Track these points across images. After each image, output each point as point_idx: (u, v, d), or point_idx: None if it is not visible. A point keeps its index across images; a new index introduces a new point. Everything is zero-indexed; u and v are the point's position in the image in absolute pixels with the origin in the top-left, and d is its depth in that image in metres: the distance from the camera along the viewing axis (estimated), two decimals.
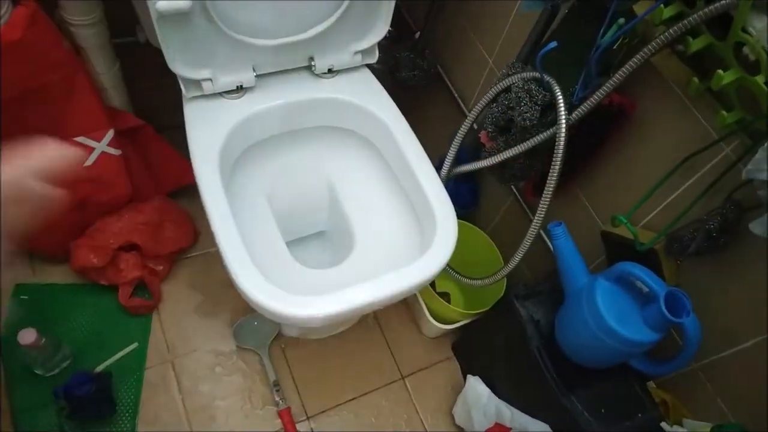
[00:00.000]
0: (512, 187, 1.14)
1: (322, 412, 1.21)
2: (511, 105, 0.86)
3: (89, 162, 1.15)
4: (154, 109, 1.34)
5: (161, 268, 1.29)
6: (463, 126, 0.99)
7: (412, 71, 1.27)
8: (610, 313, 0.83)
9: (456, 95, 1.28)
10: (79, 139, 1.11)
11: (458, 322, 1.23)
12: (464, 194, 1.29)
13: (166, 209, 1.32)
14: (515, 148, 0.87)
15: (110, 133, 1.14)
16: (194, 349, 1.25)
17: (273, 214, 1.14)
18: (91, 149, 1.14)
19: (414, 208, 1.04)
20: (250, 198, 1.13)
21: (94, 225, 1.24)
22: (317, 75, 1.08)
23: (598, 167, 0.94)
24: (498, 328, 1.11)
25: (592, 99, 0.78)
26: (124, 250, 1.25)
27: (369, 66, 1.13)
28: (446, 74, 1.31)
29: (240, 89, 1.02)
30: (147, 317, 1.27)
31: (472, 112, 0.95)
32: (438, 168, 1.02)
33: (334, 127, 1.13)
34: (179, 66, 0.93)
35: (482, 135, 0.98)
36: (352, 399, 1.23)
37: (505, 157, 0.89)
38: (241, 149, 1.06)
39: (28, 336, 1.05)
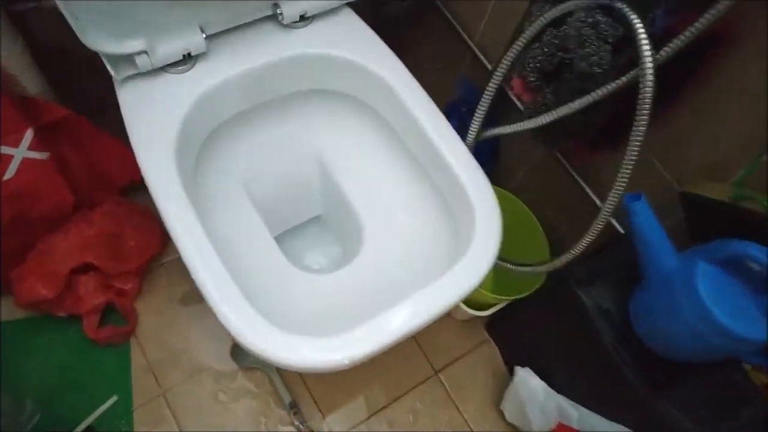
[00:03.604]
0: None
1: (353, 427, 1.04)
2: (565, 44, 0.63)
3: (9, 174, 0.90)
4: (84, 89, 1.05)
5: (130, 286, 1.07)
6: (493, 80, 0.75)
7: (399, 1, 1.01)
8: (718, 306, 0.64)
9: (459, 28, 1.02)
10: None
11: (492, 306, 1.04)
12: (480, 149, 1.07)
13: (122, 212, 1.07)
14: (576, 102, 0.64)
15: (28, 134, 0.88)
16: (188, 376, 1.05)
17: (254, 206, 0.91)
18: (9, 158, 0.88)
19: (436, 185, 0.82)
20: (223, 192, 0.90)
21: (36, 247, 1.00)
22: (286, 26, 0.81)
23: (673, 112, 0.72)
24: (552, 317, 0.93)
25: (690, 29, 0.55)
26: (80, 271, 1.02)
27: (350, 4, 0.87)
28: (442, 1, 1.04)
29: (188, 58, 0.76)
30: (124, 346, 1.06)
31: (506, 58, 0.71)
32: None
33: (316, 90, 0.88)
34: (97, 39, 0.67)
35: (516, 83, 0.75)
36: (383, 408, 1.06)
37: (560, 115, 0.67)
38: (203, 136, 0.82)
39: None
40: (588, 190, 0.90)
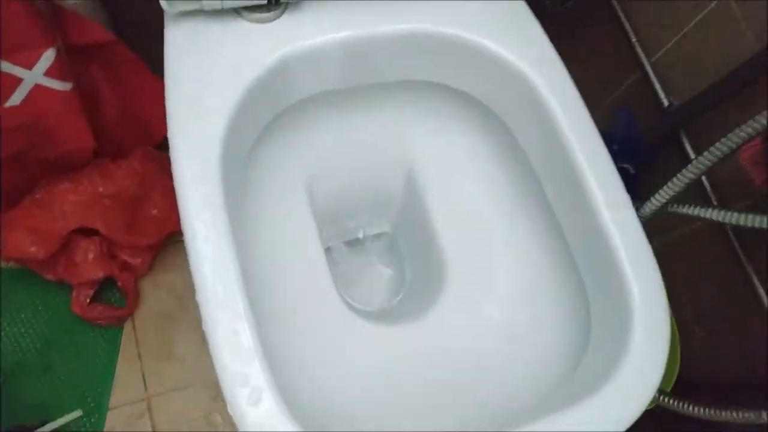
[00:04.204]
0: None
1: None
2: None
3: (15, 101, 0.69)
4: (142, 10, 0.83)
5: (139, 261, 0.86)
6: (716, 147, 0.48)
7: None
8: None
9: (633, 37, 0.76)
10: None
11: None
12: None
13: (152, 170, 0.86)
14: None
15: (48, 55, 0.66)
16: (183, 385, 0.86)
17: (312, 210, 0.69)
18: (17, 81, 0.67)
19: (571, 256, 0.57)
20: (276, 187, 0.68)
21: (37, 191, 0.80)
22: None
23: None
24: None
25: None
26: (82, 232, 0.82)
27: None
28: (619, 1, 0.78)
29: (273, 4, 0.53)
30: (115, 330, 0.87)
31: (757, 119, 0.44)
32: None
33: (435, 83, 0.63)
34: None
35: (746, 152, 0.49)
36: None
37: None
38: (270, 114, 0.59)
39: None
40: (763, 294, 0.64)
